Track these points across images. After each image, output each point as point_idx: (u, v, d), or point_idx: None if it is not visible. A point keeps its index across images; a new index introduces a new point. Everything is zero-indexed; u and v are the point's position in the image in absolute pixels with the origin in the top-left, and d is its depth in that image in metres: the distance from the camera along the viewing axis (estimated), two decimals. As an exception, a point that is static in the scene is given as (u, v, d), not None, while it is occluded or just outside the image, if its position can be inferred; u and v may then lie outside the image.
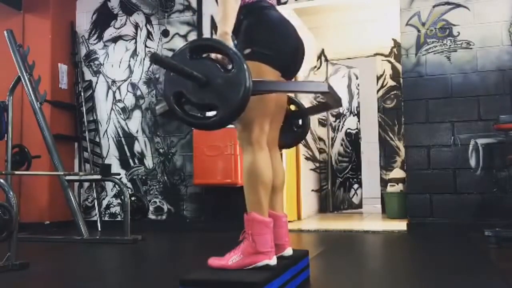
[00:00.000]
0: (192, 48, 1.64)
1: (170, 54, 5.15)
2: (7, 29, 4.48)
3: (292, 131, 2.41)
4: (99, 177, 4.38)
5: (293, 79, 2.24)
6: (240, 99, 1.56)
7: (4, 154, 4.34)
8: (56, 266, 3.09)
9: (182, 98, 1.63)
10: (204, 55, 1.65)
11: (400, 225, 4.51)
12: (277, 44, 1.99)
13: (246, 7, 2.02)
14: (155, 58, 1.47)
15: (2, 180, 2.90)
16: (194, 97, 1.61)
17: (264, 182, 1.91)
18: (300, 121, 2.43)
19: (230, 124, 1.81)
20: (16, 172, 4.33)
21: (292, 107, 2.40)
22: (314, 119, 6.56)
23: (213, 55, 1.68)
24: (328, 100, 2.02)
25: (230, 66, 1.59)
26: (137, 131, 5.23)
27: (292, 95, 2.38)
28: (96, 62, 5.44)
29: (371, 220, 5.66)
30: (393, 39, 6.39)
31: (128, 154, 5.24)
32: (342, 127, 6.99)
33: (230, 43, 1.80)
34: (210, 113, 1.64)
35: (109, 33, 5.42)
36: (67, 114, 5.34)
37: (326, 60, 6.93)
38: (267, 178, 1.92)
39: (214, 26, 5.01)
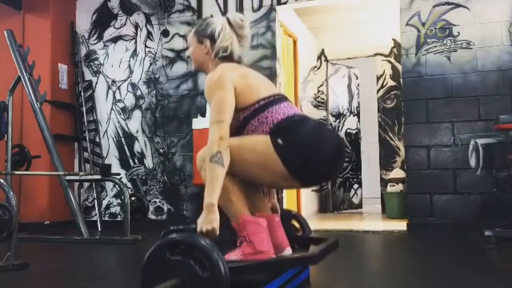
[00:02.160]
0: (169, 245, 1.62)
1: (170, 54, 5.15)
2: (7, 29, 4.49)
3: (292, 234, 2.38)
4: (99, 177, 4.38)
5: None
6: None
7: (4, 154, 4.34)
8: (56, 266, 3.09)
9: None
10: (183, 251, 1.62)
11: (400, 225, 4.51)
12: (312, 158, 1.87)
13: (279, 126, 1.91)
14: None
15: (2, 180, 2.90)
16: None
17: (233, 191, 1.91)
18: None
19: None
20: (16, 172, 4.34)
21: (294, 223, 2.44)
22: (314, 119, 6.55)
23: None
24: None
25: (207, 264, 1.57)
26: (137, 131, 5.23)
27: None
28: (96, 62, 5.44)
29: (371, 220, 5.66)
30: (393, 39, 6.39)
31: (128, 154, 5.24)
32: (342, 127, 6.99)
33: (216, 216, 1.74)
34: None
35: (109, 33, 5.42)
36: (67, 114, 5.34)
37: (326, 60, 6.93)
38: (234, 188, 1.92)
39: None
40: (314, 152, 1.87)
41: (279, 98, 2.01)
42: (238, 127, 1.98)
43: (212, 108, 1.91)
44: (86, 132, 5.29)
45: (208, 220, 1.74)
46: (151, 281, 1.60)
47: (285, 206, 4.84)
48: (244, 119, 1.96)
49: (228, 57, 2.10)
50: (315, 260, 1.84)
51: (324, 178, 2.03)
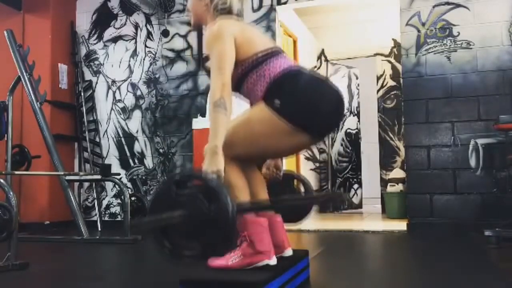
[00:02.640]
0: (177, 182, 1.63)
1: (170, 54, 5.16)
2: (7, 29, 4.48)
3: (294, 210, 2.38)
4: (99, 177, 4.38)
5: None
6: (223, 233, 1.55)
7: (4, 154, 4.34)
8: (56, 266, 3.09)
9: (167, 230, 1.62)
10: (189, 187, 1.62)
11: (400, 225, 4.51)
12: (310, 108, 1.90)
13: (276, 80, 1.93)
14: (139, 229, 1.50)
15: (2, 180, 2.90)
16: (178, 231, 1.60)
17: (240, 189, 1.93)
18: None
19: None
20: (16, 172, 4.34)
21: (296, 184, 2.43)
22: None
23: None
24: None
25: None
26: (137, 131, 5.23)
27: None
28: (96, 62, 5.44)
29: (371, 220, 5.66)
30: (393, 39, 6.39)
31: (128, 154, 5.24)
32: (342, 127, 6.99)
33: (221, 158, 1.75)
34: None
35: (109, 33, 5.42)
36: (67, 114, 5.34)
37: (326, 60, 6.93)
38: (241, 185, 1.93)
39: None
40: (312, 101, 1.90)
41: (276, 51, 2.03)
42: (237, 81, 1.99)
43: (212, 59, 1.91)
44: (86, 132, 5.29)
45: (213, 162, 1.74)
46: (158, 213, 1.60)
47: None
48: (243, 73, 1.98)
49: (227, 11, 2.09)
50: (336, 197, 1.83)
51: (328, 126, 2.01)
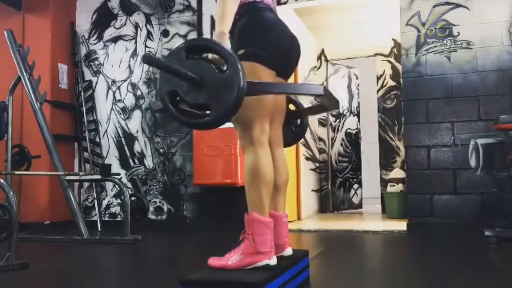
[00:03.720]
0: (187, 47, 1.65)
1: (170, 54, 5.15)
2: (7, 29, 4.48)
3: (290, 130, 2.41)
4: (99, 177, 4.38)
5: (291, 80, 2.24)
6: (234, 99, 1.57)
7: (4, 154, 4.34)
8: (56, 266, 3.09)
9: (176, 97, 1.63)
10: (200, 56, 1.65)
11: (400, 225, 4.51)
12: (271, 45, 1.99)
13: (243, 7, 2.02)
14: (147, 59, 1.49)
15: (2, 180, 2.90)
16: (188, 96, 1.61)
17: (266, 181, 1.91)
18: (299, 121, 2.43)
19: (228, 123, 1.81)
20: (16, 172, 4.34)
21: (291, 107, 2.40)
22: (314, 119, 6.56)
23: (209, 55, 1.68)
24: (325, 103, 2.02)
25: (225, 67, 1.60)
26: (137, 131, 5.23)
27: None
28: (96, 62, 5.45)
29: (371, 220, 5.66)
30: (393, 39, 6.39)
31: (128, 154, 5.24)
32: (342, 127, 6.99)
33: (227, 43, 1.81)
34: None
35: (109, 33, 5.42)
36: (67, 114, 5.34)
37: (326, 60, 6.93)
38: (269, 178, 1.92)
39: (213, 26, 5.00)
40: (270, 37, 2.00)
41: None
42: None
43: None
44: (86, 132, 5.29)
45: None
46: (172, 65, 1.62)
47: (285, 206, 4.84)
48: None
49: None
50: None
51: (288, 59, 2.10)
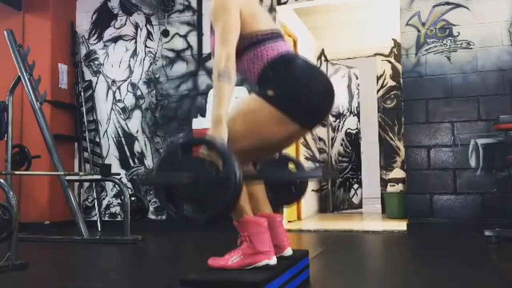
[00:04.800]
0: (184, 146, 1.66)
1: (170, 54, 5.16)
2: (7, 29, 4.48)
3: (290, 191, 2.39)
4: (99, 177, 4.38)
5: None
6: (229, 199, 1.58)
7: (4, 154, 4.33)
8: (56, 266, 3.09)
9: (173, 192, 1.65)
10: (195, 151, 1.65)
11: (400, 225, 4.51)
12: (302, 98, 1.90)
13: (272, 63, 1.95)
14: (142, 182, 1.54)
15: (2, 180, 2.90)
16: (185, 194, 1.63)
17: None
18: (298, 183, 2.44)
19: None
20: (16, 172, 4.33)
21: (291, 165, 2.42)
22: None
23: (205, 152, 1.66)
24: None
25: (220, 166, 1.60)
26: (137, 131, 5.23)
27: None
28: (96, 62, 5.44)
29: (371, 220, 5.66)
30: (393, 39, 6.39)
31: (128, 154, 5.24)
32: (342, 127, 6.99)
33: (225, 129, 1.76)
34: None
35: (109, 33, 5.42)
36: (67, 114, 5.34)
37: (326, 60, 6.93)
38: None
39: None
40: (304, 89, 1.91)
41: (276, 34, 2.04)
42: (236, 56, 1.96)
43: (218, 30, 1.92)
44: (86, 132, 5.29)
45: (217, 132, 1.76)
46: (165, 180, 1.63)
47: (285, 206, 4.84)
48: (241, 48, 1.97)
49: None
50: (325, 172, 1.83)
51: (318, 115, 2.03)
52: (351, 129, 7.13)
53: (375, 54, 6.56)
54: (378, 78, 6.53)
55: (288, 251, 2.10)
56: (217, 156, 1.60)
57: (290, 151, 5.28)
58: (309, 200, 6.06)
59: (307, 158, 6.08)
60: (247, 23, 1.96)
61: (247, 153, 1.93)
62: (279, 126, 1.90)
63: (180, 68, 5.13)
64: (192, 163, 1.62)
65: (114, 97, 5.34)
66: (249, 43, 1.97)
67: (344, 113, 7.04)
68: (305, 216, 5.76)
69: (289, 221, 5.11)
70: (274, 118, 1.88)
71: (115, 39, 5.39)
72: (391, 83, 6.44)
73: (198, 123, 4.51)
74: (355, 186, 7.12)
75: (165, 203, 1.64)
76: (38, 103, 4.41)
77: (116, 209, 5.22)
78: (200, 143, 1.65)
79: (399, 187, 5.41)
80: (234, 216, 1.92)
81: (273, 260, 1.89)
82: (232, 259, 1.89)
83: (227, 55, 1.84)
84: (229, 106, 1.82)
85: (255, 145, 1.93)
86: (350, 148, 7.07)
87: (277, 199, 2.29)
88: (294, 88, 1.91)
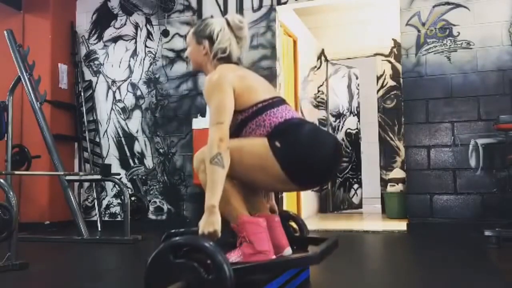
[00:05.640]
0: (173, 247, 1.64)
1: (170, 54, 5.16)
2: (7, 29, 4.48)
3: (291, 235, 2.37)
4: (99, 177, 4.38)
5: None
6: None
7: (4, 154, 4.33)
8: (56, 266, 3.09)
9: None
10: (188, 256, 1.63)
11: (400, 225, 4.51)
12: (306, 163, 1.87)
13: (277, 129, 1.91)
14: None
15: (2, 180, 2.90)
16: None
17: (233, 193, 1.91)
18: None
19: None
20: (16, 172, 4.33)
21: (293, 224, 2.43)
22: (314, 119, 6.56)
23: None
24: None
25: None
26: (137, 131, 5.23)
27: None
28: (96, 62, 5.44)
29: (371, 220, 5.66)
30: (393, 39, 6.39)
31: (128, 154, 5.24)
32: (342, 127, 6.99)
33: (218, 217, 1.75)
34: None
35: (109, 33, 5.42)
36: (67, 114, 5.34)
37: (326, 60, 6.93)
38: (233, 191, 1.92)
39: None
40: (311, 154, 1.87)
41: (278, 101, 2.01)
42: (236, 129, 1.97)
43: (211, 110, 1.91)
44: (86, 132, 5.29)
45: (210, 222, 1.74)
46: (155, 285, 1.61)
47: (285, 206, 4.84)
48: (242, 121, 1.96)
49: (227, 59, 2.09)
50: (316, 260, 1.84)
51: (321, 180, 2.03)
52: (351, 129, 7.13)
53: (375, 54, 6.56)
54: (378, 78, 6.53)
55: (287, 251, 2.10)
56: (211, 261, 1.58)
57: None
58: (309, 200, 6.06)
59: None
60: (244, 97, 1.95)
61: (243, 181, 1.94)
62: (278, 183, 1.91)
63: (180, 68, 5.13)
64: (183, 266, 1.60)
65: (114, 97, 5.34)
66: (249, 115, 1.95)
67: (344, 113, 7.05)
68: (305, 216, 5.76)
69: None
70: (275, 176, 1.87)
71: (115, 39, 5.39)
72: (391, 83, 6.44)
73: (198, 123, 4.51)
74: (355, 186, 7.12)
75: None
76: (38, 103, 4.41)
77: (116, 209, 5.22)
78: (190, 246, 1.64)
79: (399, 187, 5.41)
80: (232, 220, 1.92)
81: (273, 260, 1.89)
82: (232, 259, 1.89)
83: (220, 139, 1.82)
84: (221, 193, 1.79)
85: (247, 182, 1.95)
86: (350, 148, 7.07)
87: None
88: (301, 151, 1.87)
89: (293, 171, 1.86)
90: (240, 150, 1.90)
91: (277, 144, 1.86)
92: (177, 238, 1.66)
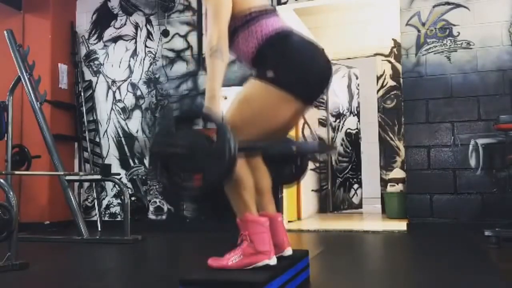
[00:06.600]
0: (179, 119, 1.69)
1: (170, 54, 5.16)
2: (7, 29, 4.48)
3: (291, 170, 2.39)
4: (99, 177, 4.38)
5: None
6: (224, 170, 1.61)
7: (4, 154, 4.33)
8: (56, 266, 3.09)
9: (168, 164, 1.67)
10: (191, 125, 1.69)
11: (400, 225, 4.51)
12: (302, 73, 1.92)
13: (267, 40, 1.95)
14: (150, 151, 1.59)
15: (2, 180, 2.90)
16: (180, 166, 1.67)
17: (247, 187, 1.91)
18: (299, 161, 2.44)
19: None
20: (16, 172, 4.33)
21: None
22: (314, 119, 6.56)
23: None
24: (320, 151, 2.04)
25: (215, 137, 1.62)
26: (137, 131, 5.23)
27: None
28: (96, 62, 5.45)
29: (371, 220, 5.66)
30: (393, 39, 6.39)
31: (128, 154, 5.24)
32: (342, 127, 6.99)
33: (219, 101, 1.78)
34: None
35: (109, 33, 5.42)
36: (67, 114, 5.34)
37: (326, 60, 6.92)
38: (249, 183, 1.92)
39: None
40: (303, 63, 1.92)
41: (270, 10, 2.07)
42: (229, 36, 1.96)
43: (209, 7, 1.92)
44: (86, 132, 5.29)
45: (212, 105, 1.78)
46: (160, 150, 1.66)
47: (285, 206, 4.84)
48: (234, 27, 1.97)
49: None
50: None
51: (319, 87, 2.04)
52: (351, 129, 7.13)
53: (375, 54, 6.56)
54: (378, 78, 6.53)
55: (288, 251, 2.10)
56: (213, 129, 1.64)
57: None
58: (309, 200, 6.06)
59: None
60: (239, 1, 1.97)
61: (255, 139, 1.93)
62: (284, 105, 1.91)
63: (180, 68, 5.13)
64: (187, 135, 1.64)
65: (114, 97, 5.34)
66: (241, 21, 1.97)
67: (344, 113, 7.05)
68: (305, 216, 5.76)
69: (289, 221, 5.11)
70: (279, 99, 1.89)
71: (115, 39, 5.39)
72: (391, 83, 6.43)
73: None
74: (355, 186, 7.12)
75: (161, 174, 1.67)
76: (38, 103, 4.41)
77: (116, 209, 5.22)
78: (195, 115, 1.68)
79: (399, 187, 5.41)
80: (238, 214, 1.92)
81: (273, 260, 1.89)
82: (232, 259, 1.89)
83: (219, 32, 1.85)
84: (221, 83, 1.82)
85: (263, 131, 1.94)
86: (350, 148, 7.07)
87: (278, 178, 2.28)
88: (293, 63, 1.92)
89: (293, 85, 1.89)
90: (243, 103, 1.91)
91: (269, 73, 1.89)
92: (187, 109, 1.76)
